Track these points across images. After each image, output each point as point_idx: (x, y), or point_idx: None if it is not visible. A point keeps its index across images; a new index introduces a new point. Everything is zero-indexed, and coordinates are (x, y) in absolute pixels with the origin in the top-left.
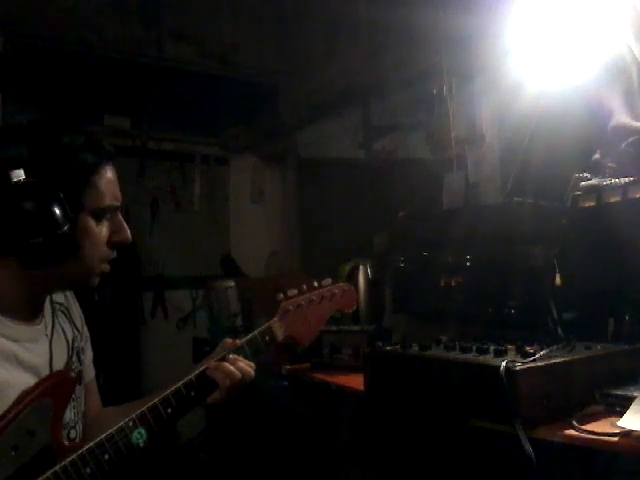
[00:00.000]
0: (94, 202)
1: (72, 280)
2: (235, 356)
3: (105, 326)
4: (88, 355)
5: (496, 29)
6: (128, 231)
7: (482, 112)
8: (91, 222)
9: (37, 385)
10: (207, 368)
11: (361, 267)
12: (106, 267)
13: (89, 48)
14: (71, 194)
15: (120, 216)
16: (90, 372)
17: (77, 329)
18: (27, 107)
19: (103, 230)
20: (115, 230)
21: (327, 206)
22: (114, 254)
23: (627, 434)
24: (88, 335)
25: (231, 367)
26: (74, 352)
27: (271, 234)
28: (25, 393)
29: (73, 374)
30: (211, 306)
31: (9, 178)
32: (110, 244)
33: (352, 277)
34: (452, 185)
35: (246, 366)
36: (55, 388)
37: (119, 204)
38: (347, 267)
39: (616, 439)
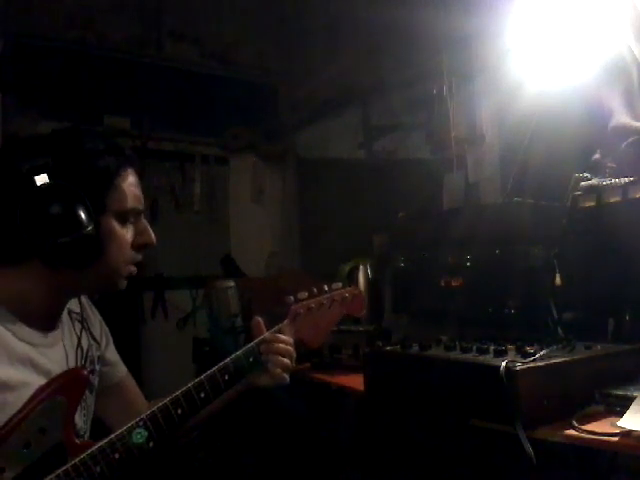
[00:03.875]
0: (117, 204)
1: (99, 283)
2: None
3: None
4: (111, 356)
5: (496, 29)
6: (152, 234)
7: (482, 112)
8: (115, 224)
9: (50, 383)
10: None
11: (361, 267)
12: (133, 269)
13: (89, 48)
14: (95, 197)
15: (144, 220)
16: (119, 371)
17: (94, 338)
18: (27, 107)
19: (128, 233)
20: (139, 233)
21: (327, 206)
22: (139, 257)
23: (627, 434)
24: (109, 336)
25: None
26: (87, 361)
27: (271, 234)
28: (39, 391)
29: (86, 372)
30: (211, 306)
31: (34, 183)
32: (135, 247)
33: (352, 277)
34: (452, 185)
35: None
36: (68, 386)
37: (142, 208)
38: (347, 267)
39: (616, 439)
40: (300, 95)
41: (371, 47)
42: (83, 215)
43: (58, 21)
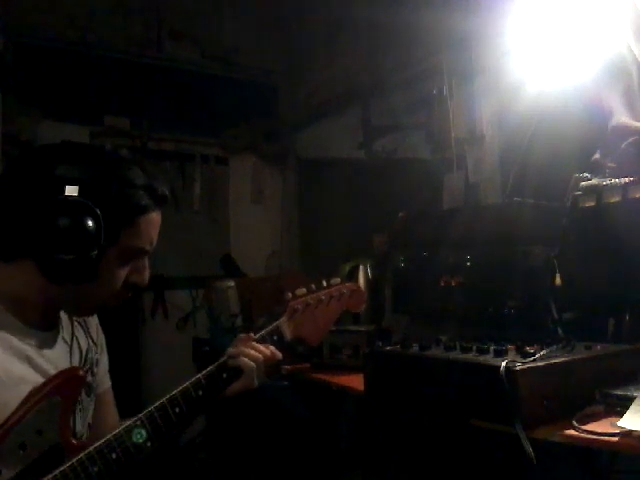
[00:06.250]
0: (129, 241)
1: (87, 302)
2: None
3: (105, 326)
4: (103, 365)
5: (496, 29)
6: (147, 275)
7: (482, 112)
8: (117, 258)
9: (45, 383)
10: (226, 360)
11: (361, 267)
12: (118, 302)
13: (89, 48)
14: (112, 226)
15: (146, 260)
16: (105, 383)
17: (92, 341)
18: (27, 107)
19: (124, 270)
20: (135, 270)
21: (327, 206)
22: (128, 294)
23: (627, 434)
24: (104, 344)
25: (252, 351)
26: (86, 363)
27: (271, 234)
28: (34, 391)
29: (81, 372)
30: (211, 306)
31: (62, 191)
32: (126, 283)
33: (352, 277)
34: (452, 185)
35: (267, 350)
36: (63, 386)
37: (151, 250)
38: (347, 267)
39: (616, 439)
40: (300, 95)
41: (371, 47)
42: (92, 240)
43: (58, 21)
